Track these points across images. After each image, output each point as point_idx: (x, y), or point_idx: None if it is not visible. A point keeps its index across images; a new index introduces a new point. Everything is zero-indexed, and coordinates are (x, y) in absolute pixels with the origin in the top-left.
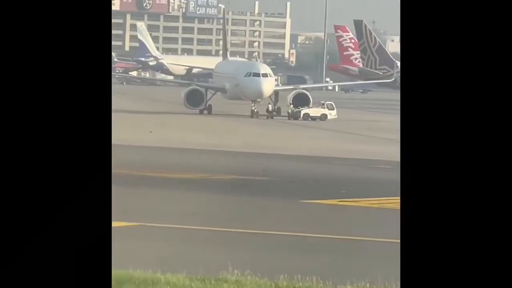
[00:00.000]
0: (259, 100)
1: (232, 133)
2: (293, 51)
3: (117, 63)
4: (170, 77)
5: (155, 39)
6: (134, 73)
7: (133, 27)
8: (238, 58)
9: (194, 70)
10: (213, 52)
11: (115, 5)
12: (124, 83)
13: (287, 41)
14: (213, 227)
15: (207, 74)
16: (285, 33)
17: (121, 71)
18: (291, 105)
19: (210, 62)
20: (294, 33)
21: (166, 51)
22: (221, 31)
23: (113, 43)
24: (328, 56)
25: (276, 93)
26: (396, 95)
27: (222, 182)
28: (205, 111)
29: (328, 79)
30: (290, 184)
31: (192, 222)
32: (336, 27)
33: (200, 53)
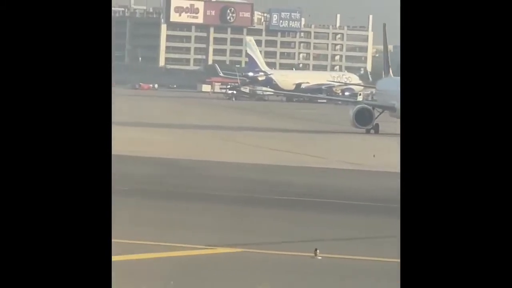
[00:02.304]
0: None
1: None
2: None
3: (213, 78)
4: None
5: (238, 52)
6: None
7: (216, 40)
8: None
9: (303, 85)
10: (296, 66)
11: (199, 19)
12: (233, 99)
13: (369, 54)
14: None
15: (316, 89)
16: (367, 46)
17: (228, 86)
18: None
19: (319, 77)
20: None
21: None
22: (383, 48)
23: (195, 56)
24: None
25: None
26: None
27: None
28: (372, 131)
29: None
30: None
31: None
32: None
33: (283, 66)
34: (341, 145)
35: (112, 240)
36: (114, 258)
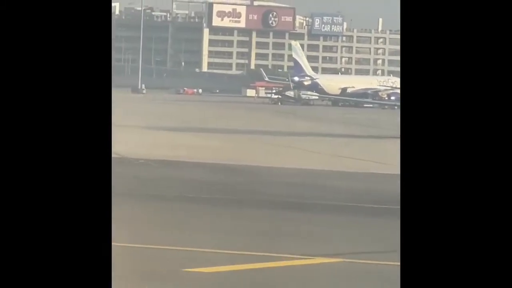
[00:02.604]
0: None
1: None
2: None
3: (258, 82)
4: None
5: (280, 56)
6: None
7: (259, 44)
8: None
9: (348, 90)
10: (338, 71)
11: (241, 23)
12: (279, 104)
13: None
14: None
15: (362, 94)
16: None
17: (273, 91)
18: None
19: (365, 82)
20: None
21: (291, 68)
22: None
23: (237, 61)
24: None
25: None
26: None
27: None
28: None
29: None
30: None
31: None
32: None
33: (325, 71)
34: (399, 151)
35: (217, 251)
36: (215, 268)
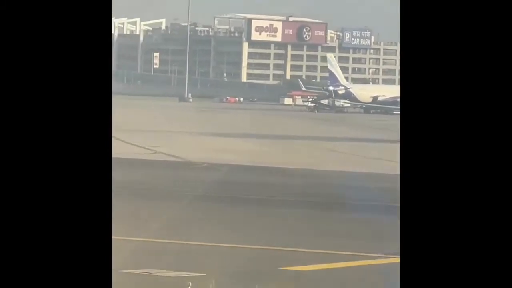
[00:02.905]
0: None
1: None
2: None
3: (294, 91)
4: None
5: (313, 67)
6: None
7: (294, 57)
8: None
9: (379, 98)
10: (367, 81)
11: (277, 37)
12: (316, 111)
13: None
14: None
15: (391, 102)
16: None
17: (310, 99)
18: None
19: (395, 91)
20: None
21: (323, 78)
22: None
23: (274, 72)
24: None
25: None
26: None
27: None
28: None
29: None
30: None
31: None
32: None
33: (355, 81)
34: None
35: (306, 251)
36: (310, 267)
